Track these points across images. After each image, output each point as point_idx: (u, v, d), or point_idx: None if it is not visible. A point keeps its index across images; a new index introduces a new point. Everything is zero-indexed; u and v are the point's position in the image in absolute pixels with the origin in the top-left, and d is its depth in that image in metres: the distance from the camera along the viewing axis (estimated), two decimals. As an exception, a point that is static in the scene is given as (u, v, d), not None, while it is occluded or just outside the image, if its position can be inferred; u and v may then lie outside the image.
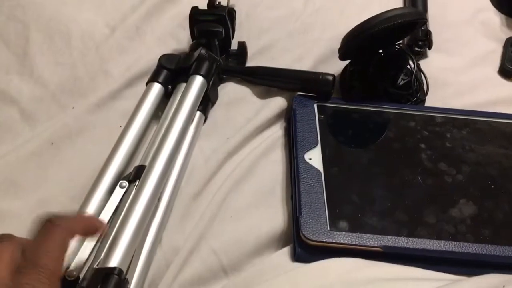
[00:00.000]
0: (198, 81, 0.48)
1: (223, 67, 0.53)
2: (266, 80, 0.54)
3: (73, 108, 0.49)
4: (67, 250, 0.28)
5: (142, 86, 0.51)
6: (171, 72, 0.50)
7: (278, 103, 0.52)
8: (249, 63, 0.59)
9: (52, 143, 0.46)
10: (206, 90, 0.50)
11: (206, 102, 0.50)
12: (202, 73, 0.49)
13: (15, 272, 0.26)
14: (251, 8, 0.63)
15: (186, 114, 0.45)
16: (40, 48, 0.55)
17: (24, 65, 0.53)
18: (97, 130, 0.48)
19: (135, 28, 0.58)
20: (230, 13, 0.56)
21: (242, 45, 0.56)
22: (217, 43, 0.53)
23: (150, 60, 0.53)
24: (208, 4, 0.54)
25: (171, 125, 0.44)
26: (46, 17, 0.57)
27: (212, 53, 0.52)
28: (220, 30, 0.52)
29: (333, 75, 0.51)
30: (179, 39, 0.58)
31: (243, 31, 0.61)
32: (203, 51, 0.50)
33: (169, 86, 0.50)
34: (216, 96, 0.52)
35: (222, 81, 0.55)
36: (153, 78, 0.49)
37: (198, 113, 0.49)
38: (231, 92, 0.54)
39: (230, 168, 0.46)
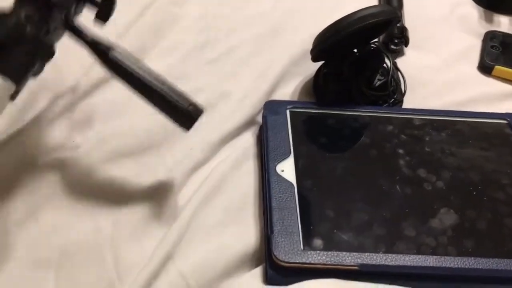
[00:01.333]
0: None
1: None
2: (131, 88, 0.40)
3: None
4: None
5: (99, 97, 0.48)
6: None
7: (247, 108, 0.50)
8: (217, 64, 0.55)
9: None
10: None
11: None
12: None
13: None
14: (218, 8, 0.60)
15: None
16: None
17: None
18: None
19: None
20: None
21: None
22: None
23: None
24: None
25: None
26: None
27: None
28: None
29: (201, 110, 0.39)
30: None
31: (211, 31, 0.58)
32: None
33: None
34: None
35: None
36: None
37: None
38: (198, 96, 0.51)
39: (197, 183, 0.44)
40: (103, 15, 0.38)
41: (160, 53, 0.56)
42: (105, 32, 0.54)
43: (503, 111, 0.51)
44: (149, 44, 0.56)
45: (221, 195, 0.43)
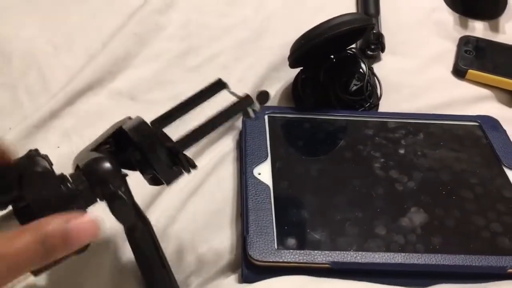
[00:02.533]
0: None
1: None
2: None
3: (10, 128, 0.47)
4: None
5: (83, 103, 0.49)
6: None
7: None
8: (200, 71, 0.57)
9: None
10: None
11: None
12: None
13: None
14: (201, 16, 0.62)
15: None
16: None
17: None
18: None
19: (81, 44, 0.56)
20: None
21: None
22: None
23: (92, 77, 0.51)
24: None
25: None
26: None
27: None
28: None
29: None
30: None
31: (194, 39, 0.60)
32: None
33: None
34: None
35: None
36: None
37: None
38: (174, 103, 0.52)
39: (177, 188, 0.45)
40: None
41: (144, 60, 0.57)
42: (90, 40, 0.57)
43: (476, 114, 0.53)
44: (133, 51, 0.57)
45: (200, 199, 0.45)
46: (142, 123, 0.34)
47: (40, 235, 0.25)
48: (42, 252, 0.25)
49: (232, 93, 0.36)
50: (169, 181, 0.33)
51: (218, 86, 0.37)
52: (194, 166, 0.34)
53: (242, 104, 0.35)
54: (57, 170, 0.30)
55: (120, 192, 0.31)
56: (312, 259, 0.38)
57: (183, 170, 0.33)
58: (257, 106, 0.35)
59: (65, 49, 0.55)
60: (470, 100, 0.57)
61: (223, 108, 0.34)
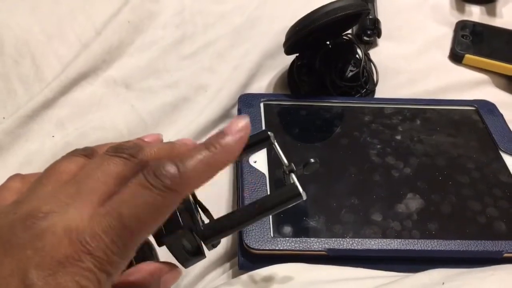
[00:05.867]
0: None
1: None
2: None
3: (4, 118, 0.47)
4: None
5: (77, 92, 0.49)
6: None
7: (223, 101, 0.51)
8: (195, 58, 0.56)
9: None
10: None
11: None
12: None
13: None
14: (195, 3, 0.61)
15: None
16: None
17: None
18: (29, 144, 0.46)
19: (74, 33, 0.55)
20: None
21: None
22: None
23: (86, 66, 0.51)
24: None
25: None
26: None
27: None
28: None
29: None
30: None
31: (188, 26, 0.59)
32: None
33: None
34: None
35: None
36: None
37: None
38: (169, 91, 0.52)
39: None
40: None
41: (138, 48, 0.56)
42: (83, 28, 0.56)
43: (473, 99, 0.53)
44: (127, 40, 0.56)
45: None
46: None
47: None
48: None
49: (277, 151, 0.32)
50: (185, 266, 0.29)
51: (263, 138, 0.32)
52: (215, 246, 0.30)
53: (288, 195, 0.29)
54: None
55: None
56: (308, 246, 0.38)
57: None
58: (303, 196, 0.29)
59: (58, 37, 0.54)
60: (467, 84, 0.57)
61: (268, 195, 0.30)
